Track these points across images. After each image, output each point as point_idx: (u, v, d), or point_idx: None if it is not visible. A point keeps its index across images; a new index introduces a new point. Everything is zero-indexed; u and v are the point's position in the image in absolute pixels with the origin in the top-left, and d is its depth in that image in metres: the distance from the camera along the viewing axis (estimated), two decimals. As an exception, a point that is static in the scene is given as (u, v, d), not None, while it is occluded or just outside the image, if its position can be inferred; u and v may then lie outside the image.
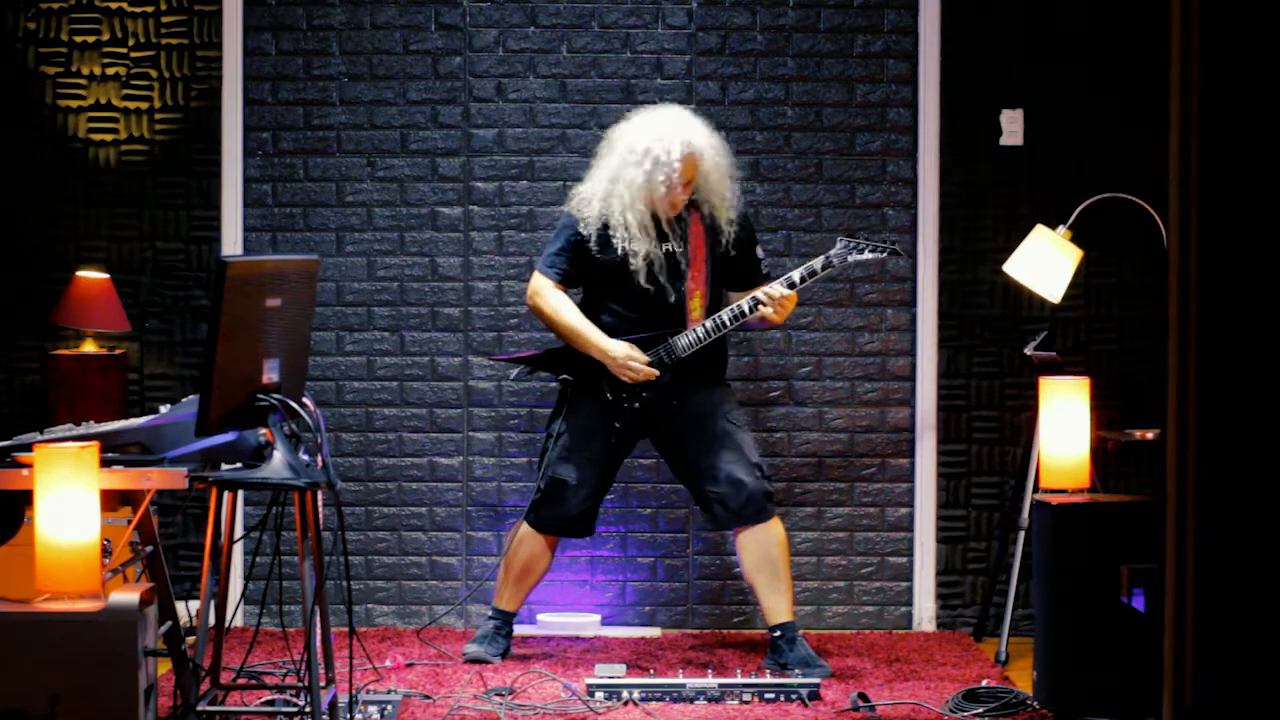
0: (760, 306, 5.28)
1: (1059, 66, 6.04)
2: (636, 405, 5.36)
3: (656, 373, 5.31)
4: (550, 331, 5.52)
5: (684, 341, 5.32)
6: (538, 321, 5.79)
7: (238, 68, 6.02)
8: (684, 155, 5.24)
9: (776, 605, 5.35)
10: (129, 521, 4.27)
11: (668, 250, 5.34)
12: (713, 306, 5.37)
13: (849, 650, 5.66)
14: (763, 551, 5.34)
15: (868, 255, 5.31)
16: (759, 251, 5.48)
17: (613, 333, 5.35)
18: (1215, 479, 2.80)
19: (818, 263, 5.30)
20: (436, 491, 6.08)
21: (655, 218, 5.31)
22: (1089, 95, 6.04)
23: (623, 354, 5.31)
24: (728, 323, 5.30)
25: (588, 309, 5.42)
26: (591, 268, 5.37)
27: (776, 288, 5.28)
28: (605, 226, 5.33)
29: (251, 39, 6.03)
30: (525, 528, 5.50)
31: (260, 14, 6.04)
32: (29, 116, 6.04)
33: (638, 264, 5.30)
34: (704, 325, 5.31)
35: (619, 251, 5.32)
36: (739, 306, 5.31)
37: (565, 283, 5.41)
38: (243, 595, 5.75)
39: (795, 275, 5.30)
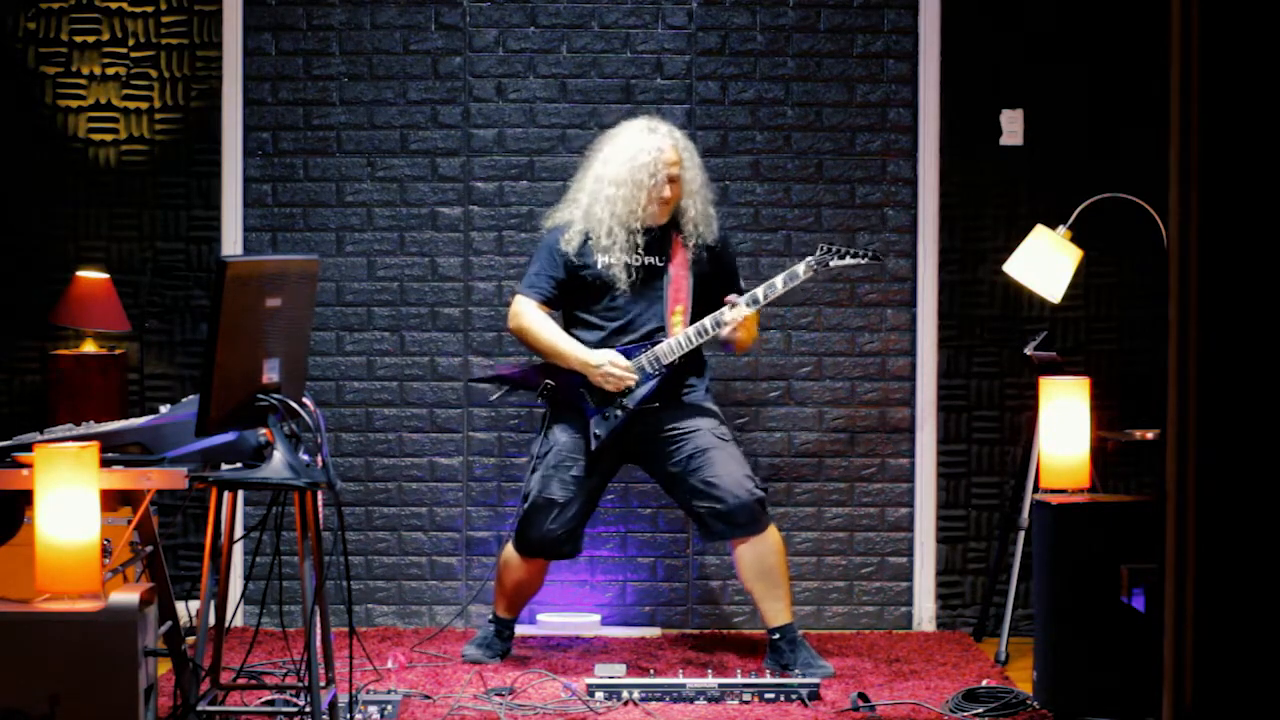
0: (724, 324, 5.24)
1: (1059, 66, 6.04)
2: (619, 413, 5.34)
3: (637, 376, 5.30)
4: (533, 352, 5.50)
5: (667, 348, 5.31)
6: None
7: (238, 68, 6.02)
8: (670, 146, 5.27)
9: (775, 610, 5.34)
10: (129, 521, 4.28)
11: (649, 264, 5.33)
12: (695, 322, 5.35)
13: (849, 650, 5.66)
14: (760, 563, 5.30)
15: (847, 261, 5.28)
16: (740, 281, 5.47)
17: (594, 348, 5.34)
18: (1215, 479, 2.80)
19: (800, 267, 5.24)
20: (436, 491, 6.08)
21: (637, 230, 5.30)
22: (1089, 95, 6.04)
23: (605, 362, 5.29)
24: (710, 328, 5.27)
25: (569, 327, 5.41)
26: (574, 285, 5.36)
27: (740, 307, 5.23)
28: (586, 240, 5.32)
29: (251, 39, 6.03)
30: (512, 553, 5.45)
31: (260, 14, 6.04)
32: (29, 116, 6.04)
33: (619, 278, 5.29)
34: (686, 332, 5.29)
35: (600, 266, 5.31)
36: (723, 312, 5.27)
37: (548, 304, 5.40)
38: (243, 595, 5.75)
39: (776, 281, 5.25)
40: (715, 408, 5.48)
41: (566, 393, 5.37)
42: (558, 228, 5.41)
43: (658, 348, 5.32)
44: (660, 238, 5.35)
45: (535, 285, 5.40)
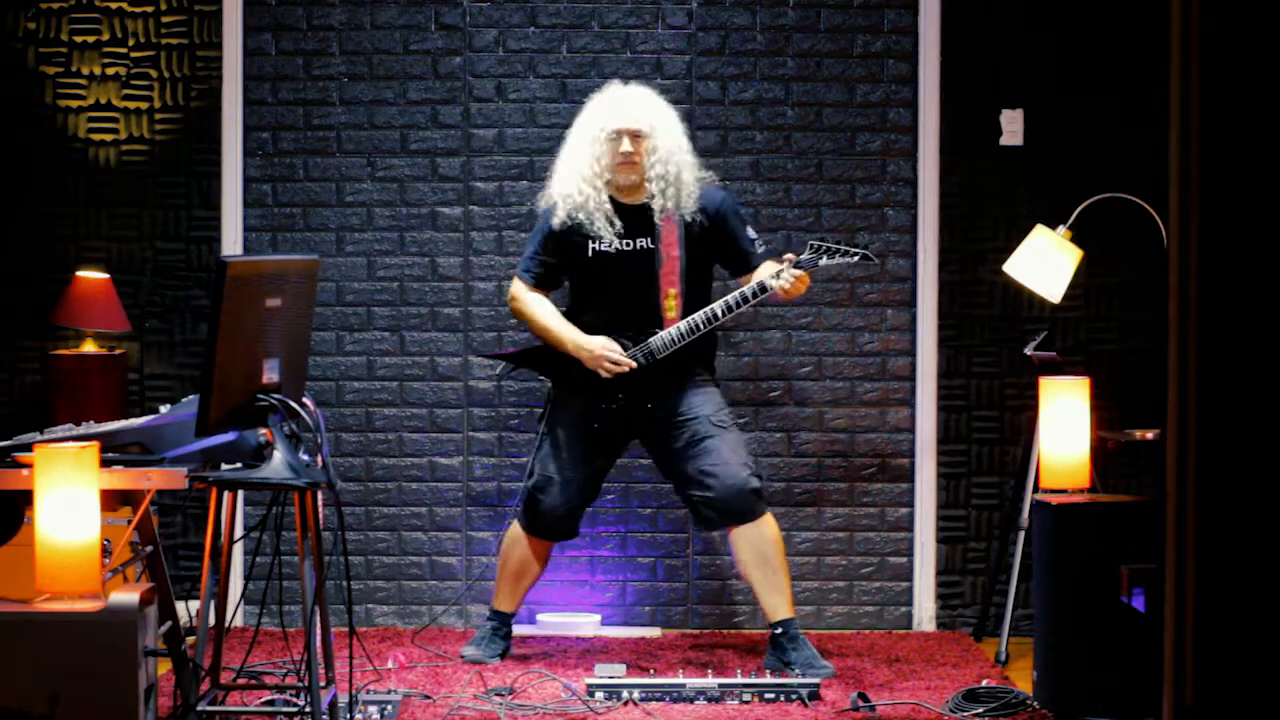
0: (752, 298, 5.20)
1: (1059, 66, 6.04)
2: (614, 406, 5.34)
3: (634, 363, 5.28)
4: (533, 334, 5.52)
5: (660, 341, 5.30)
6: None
7: (238, 68, 6.02)
8: (631, 102, 5.28)
9: (776, 603, 5.34)
10: (129, 521, 4.27)
11: (639, 247, 5.32)
12: (689, 304, 5.32)
13: (849, 650, 5.66)
14: (757, 550, 5.32)
15: (837, 260, 5.18)
16: (750, 232, 5.39)
17: (591, 333, 5.34)
18: (1215, 479, 2.80)
19: (787, 272, 5.15)
20: (436, 491, 6.08)
21: (619, 207, 5.29)
22: (1089, 95, 6.04)
23: (599, 346, 5.29)
24: (701, 325, 5.24)
25: (570, 313, 5.41)
26: (566, 267, 5.37)
27: (782, 275, 5.12)
28: (569, 220, 5.31)
29: (251, 39, 6.03)
30: (517, 530, 5.50)
31: (260, 14, 6.04)
32: (29, 116, 6.04)
33: (607, 260, 5.29)
34: (679, 327, 5.28)
35: (589, 249, 5.31)
36: (726, 302, 5.21)
37: (540, 285, 5.41)
38: (243, 595, 5.75)
39: (768, 280, 5.16)
40: (717, 392, 5.46)
41: (566, 378, 5.36)
42: (549, 208, 5.41)
43: (651, 340, 5.30)
44: (645, 218, 5.32)
45: (528, 268, 5.43)
